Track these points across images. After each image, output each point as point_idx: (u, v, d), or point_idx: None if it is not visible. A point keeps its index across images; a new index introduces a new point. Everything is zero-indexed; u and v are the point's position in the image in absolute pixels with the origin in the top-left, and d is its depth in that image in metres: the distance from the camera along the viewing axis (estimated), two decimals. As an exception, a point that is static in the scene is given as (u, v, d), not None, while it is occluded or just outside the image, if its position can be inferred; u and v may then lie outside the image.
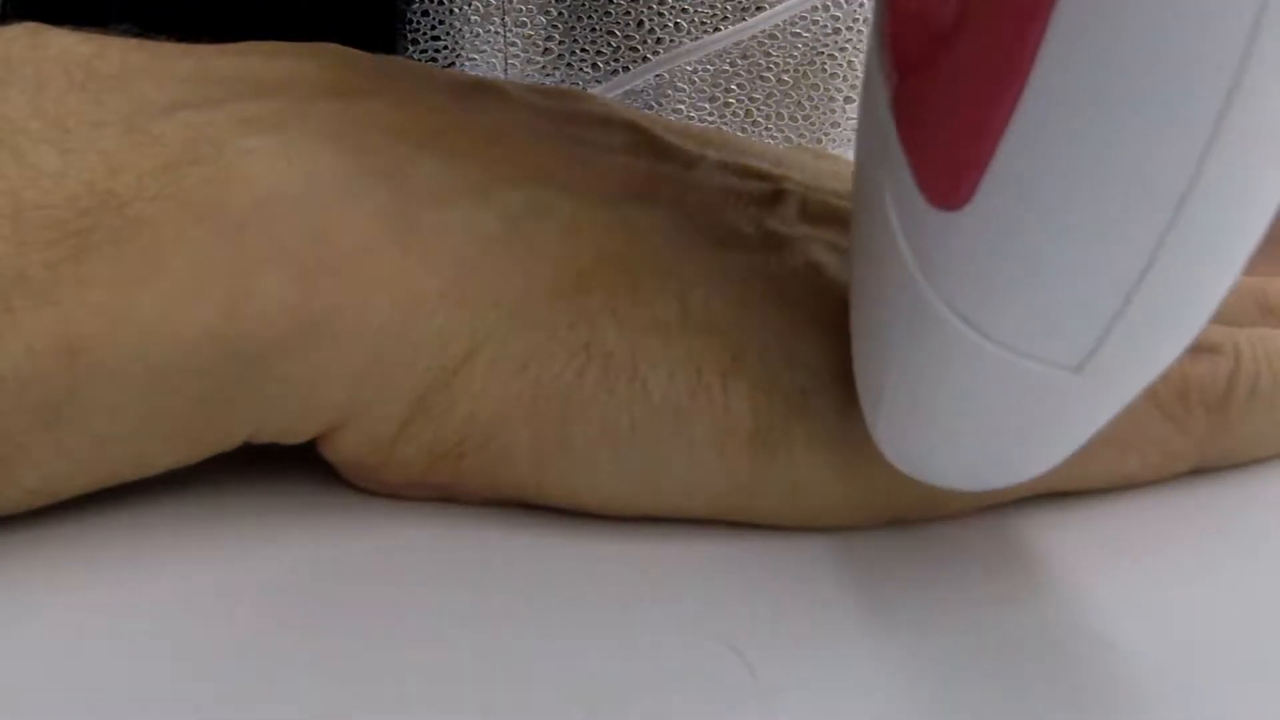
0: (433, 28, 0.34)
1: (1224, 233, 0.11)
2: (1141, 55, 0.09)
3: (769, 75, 0.34)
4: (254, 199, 0.16)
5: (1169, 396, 0.19)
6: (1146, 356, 0.13)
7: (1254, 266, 0.22)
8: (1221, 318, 0.21)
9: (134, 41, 0.18)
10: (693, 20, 0.33)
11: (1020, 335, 0.13)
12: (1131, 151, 0.10)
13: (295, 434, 0.18)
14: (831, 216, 0.21)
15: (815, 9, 0.34)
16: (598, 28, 0.33)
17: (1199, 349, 0.19)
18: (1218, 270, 0.12)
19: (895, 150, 0.13)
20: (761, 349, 0.18)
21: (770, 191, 0.21)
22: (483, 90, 0.21)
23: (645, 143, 0.21)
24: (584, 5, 0.33)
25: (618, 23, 0.33)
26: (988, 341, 0.13)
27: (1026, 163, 0.11)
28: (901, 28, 0.13)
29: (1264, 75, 0.09)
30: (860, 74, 0.33)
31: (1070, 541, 0.18)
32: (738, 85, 0.34)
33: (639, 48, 0.33)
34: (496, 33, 0.33)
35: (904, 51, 0.13)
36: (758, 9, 0.33)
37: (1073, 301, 0.12)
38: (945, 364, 0.14)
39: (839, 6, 0.34)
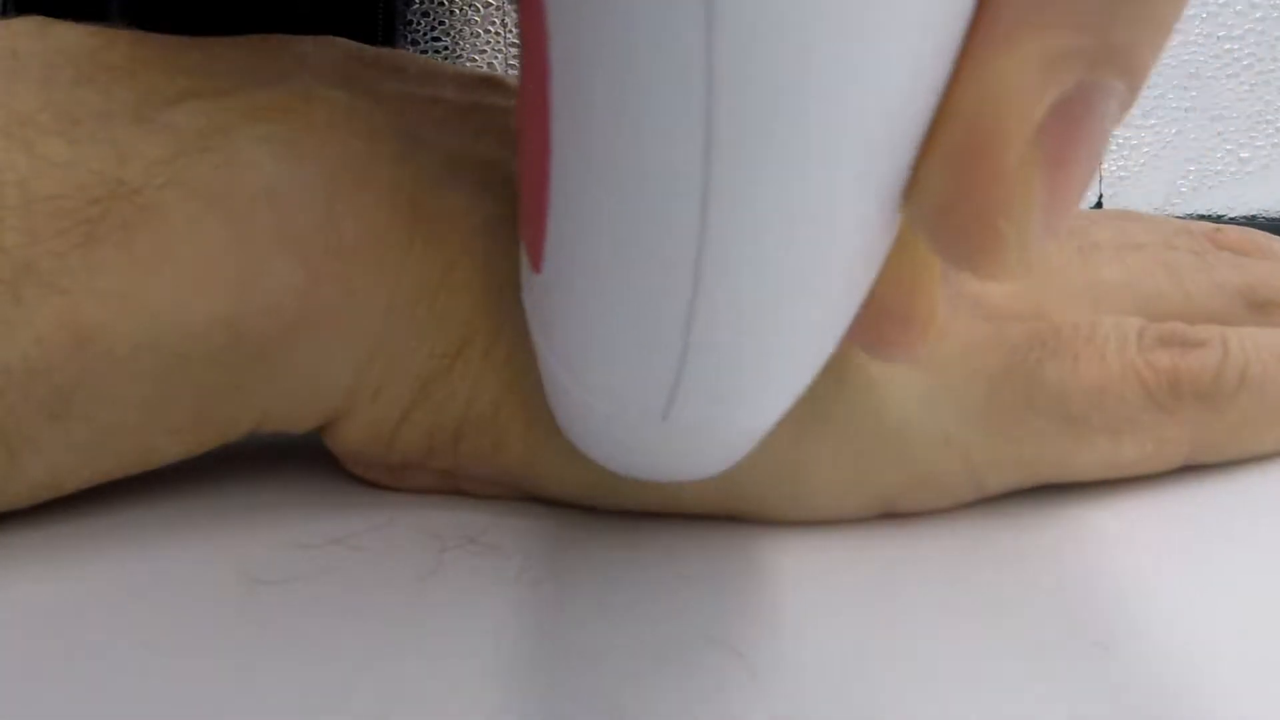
0: (432, 28, 0.34)
1: (747, 293, 0.11)
2: (624, 144, 0.10)
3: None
4: (263, 186, 0.16)
5: (1161, 387, 0.19)
6: (724, 407, 0.13)
7: (1248, 266, 0.22)
8: (1212, 317, 0.21)
9: (141, 34, 0.18)
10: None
11: (606, 386, 0.14)
12: (639, 227, 0.11)
13: (301, 421, 0.18)
14: None
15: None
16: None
17: (1189, 344, 0.19)
18: (759, 327, 0.12)
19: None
20: None
21: None
22: (487, 84, 0.21)
23: None
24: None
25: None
26: (585, 390, 0.14)
27: (564, 236, 0.12)
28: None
29: (731, 137, 0.09)
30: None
31: (1066, 537, 0.18)
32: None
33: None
34: (497, 33, 0.33)
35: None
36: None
37: (635, 358, 0.13)
38: (564, 401, 0.15)
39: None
